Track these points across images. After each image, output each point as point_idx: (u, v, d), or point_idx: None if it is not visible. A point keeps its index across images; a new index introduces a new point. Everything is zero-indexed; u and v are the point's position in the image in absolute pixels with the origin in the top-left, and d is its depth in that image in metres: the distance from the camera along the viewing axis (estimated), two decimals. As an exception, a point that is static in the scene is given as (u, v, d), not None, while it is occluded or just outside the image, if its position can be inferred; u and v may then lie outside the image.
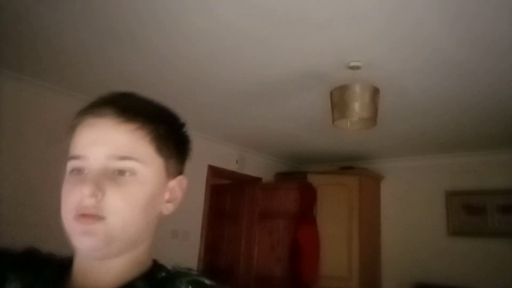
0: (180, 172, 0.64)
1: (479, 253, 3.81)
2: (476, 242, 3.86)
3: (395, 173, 4.52)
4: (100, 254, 0.54)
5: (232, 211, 4.81)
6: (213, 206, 4.71)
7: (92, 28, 2.01)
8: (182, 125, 0.64)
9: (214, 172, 4.17)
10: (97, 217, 0.51)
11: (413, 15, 1.74)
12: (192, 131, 0.65)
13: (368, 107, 2.13)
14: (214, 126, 3.72)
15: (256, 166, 4.71)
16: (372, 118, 2.18)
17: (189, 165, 0.66)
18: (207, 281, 0.55)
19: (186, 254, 3.78)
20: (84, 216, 0.51)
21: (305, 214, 4.17)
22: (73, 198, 0.52)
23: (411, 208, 4.31)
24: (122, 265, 0.56)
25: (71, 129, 0.58)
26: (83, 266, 0.56)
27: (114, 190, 0.53)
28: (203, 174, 4.04)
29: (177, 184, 0.63)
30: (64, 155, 0.58)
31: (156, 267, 0.60)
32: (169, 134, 0.60)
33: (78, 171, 0.55)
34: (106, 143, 0.54)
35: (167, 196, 0.61)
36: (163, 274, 0.57)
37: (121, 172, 0.54)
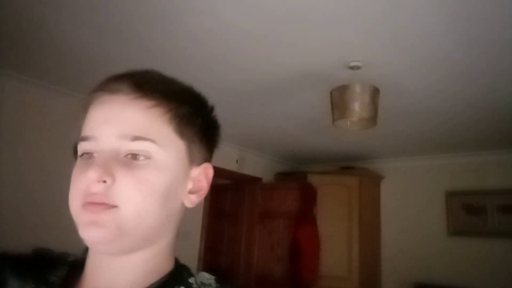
0: (205, 160, 0.57)
1: (479, 253, 3.81)
2: (476, 242, 3.86)
3: (395, 173, 4.51)
4: (110, 248, 0.48)
5: (232, 211, 4.81)
6: (213, 206, 4.72)
7: (94, 28, 2.00)
8: (209, 108, 0.57)
9: (214, 172, 4.14)
10: (106, 206, 0.45)
11: (412, 15, 1.74)
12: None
13: (368, 107, 2.13)
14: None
15: (256, 166, 4.71)
16: (372, 118, 2.18)
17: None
18: None
19: (186, 254, 3.78)
20: (92, 204, 0.45)
21: (305, 214, 4.17)
22: (80, 184, 0.46)
23: (411, 208, 4.30)
24: (138, 265, 0.50)
25: (83, 108, 0.52)
26: (94, 264, 0.51)
27: (126, 176, 0.46)
28: (203, 174, 4.04)
29: (202, 173, 0.56)
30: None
31: (178, 271, 0.53)
32: (193, 115, 0.53)
33: (88, 154, 0.49)
34: (118, 122, 0.48)
35: (190, 185, 0.54)
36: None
37: (135, 156, 0.48)
